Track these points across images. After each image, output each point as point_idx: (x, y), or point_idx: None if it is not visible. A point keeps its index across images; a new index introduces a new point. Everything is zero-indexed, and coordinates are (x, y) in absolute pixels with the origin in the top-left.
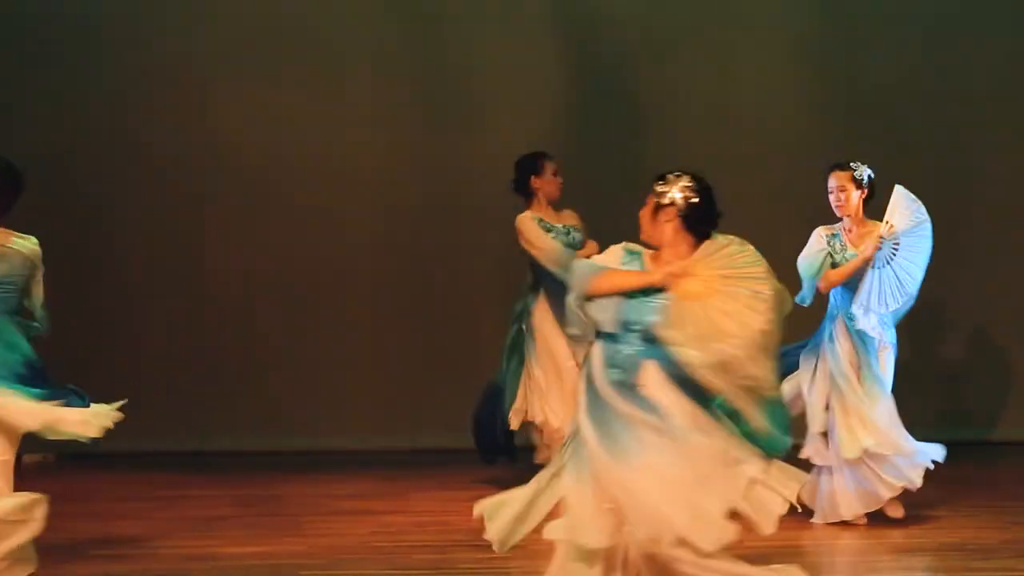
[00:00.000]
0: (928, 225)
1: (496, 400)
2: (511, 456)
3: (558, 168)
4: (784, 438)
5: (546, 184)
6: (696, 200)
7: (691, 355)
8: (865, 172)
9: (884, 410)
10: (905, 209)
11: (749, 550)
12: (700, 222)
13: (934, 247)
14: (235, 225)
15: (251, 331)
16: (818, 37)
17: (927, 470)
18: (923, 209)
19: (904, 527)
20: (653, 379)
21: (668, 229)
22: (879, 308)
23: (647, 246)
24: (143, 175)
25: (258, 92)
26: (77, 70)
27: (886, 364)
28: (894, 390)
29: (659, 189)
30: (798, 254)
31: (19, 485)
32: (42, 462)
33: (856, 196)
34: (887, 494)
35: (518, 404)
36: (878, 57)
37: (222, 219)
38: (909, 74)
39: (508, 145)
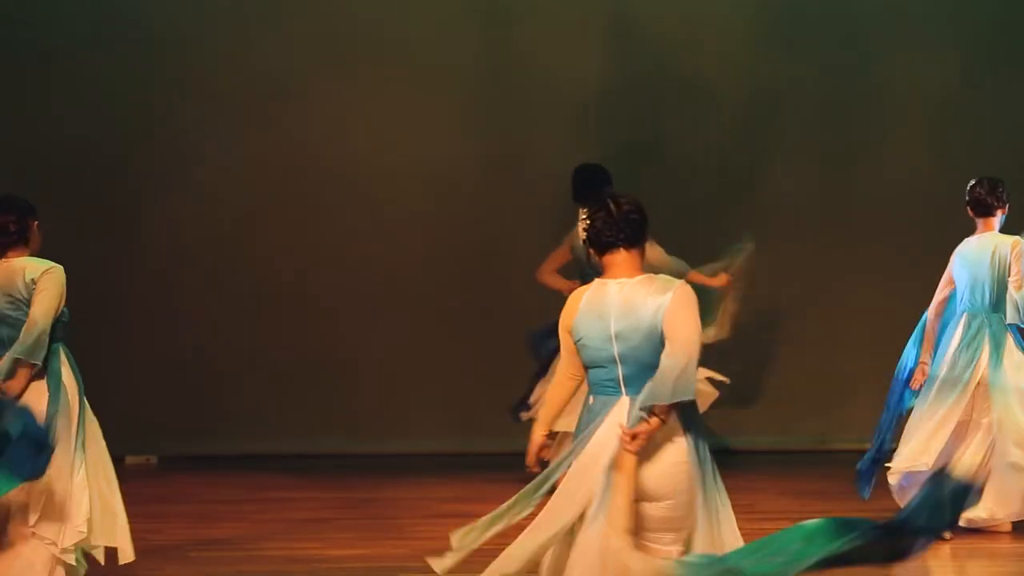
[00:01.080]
0: None
1: None
2: None
3: None
4: None
5: None
6: (588, 224)
7: None
8: None
9: None
10: None
11: None
12: (594, 245)
13: None
14: (326, 230)
15: (350, 335)
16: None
17: None
18: None
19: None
20: None
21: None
22: None
23: None
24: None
25: (324, 95)
26: (133, 75)
27: None
28: None
29: None
30: None
31: (121, 487)
32: (144, 464)
33: None
34: None
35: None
36: None
37: (314, 226)
38: None
39: (566, 147)
